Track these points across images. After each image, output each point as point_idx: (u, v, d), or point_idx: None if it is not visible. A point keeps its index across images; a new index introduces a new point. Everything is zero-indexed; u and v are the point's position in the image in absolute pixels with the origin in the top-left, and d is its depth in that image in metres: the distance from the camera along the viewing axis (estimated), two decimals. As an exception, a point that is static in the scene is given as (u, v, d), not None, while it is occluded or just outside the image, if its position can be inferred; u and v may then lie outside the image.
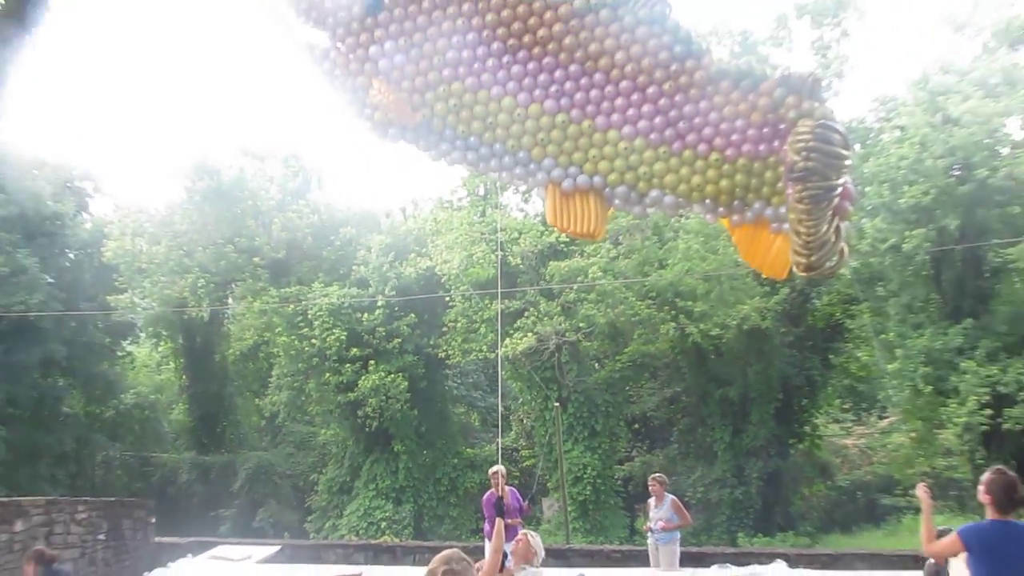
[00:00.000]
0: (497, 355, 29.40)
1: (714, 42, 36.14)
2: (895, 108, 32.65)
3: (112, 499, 16.18)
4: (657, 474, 15.58)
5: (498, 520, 8.93)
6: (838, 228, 4.68)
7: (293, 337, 35.19)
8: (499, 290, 30.41)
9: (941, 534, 7.82)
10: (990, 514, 7.11)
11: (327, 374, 35.01)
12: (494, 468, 13.88)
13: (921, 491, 8.15)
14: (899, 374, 29.38)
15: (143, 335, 43.12)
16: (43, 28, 17.44)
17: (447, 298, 34.08)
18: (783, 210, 4.81)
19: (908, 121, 30.03)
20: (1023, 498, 7.16)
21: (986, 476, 7.27)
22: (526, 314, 32.26)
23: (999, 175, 27.98)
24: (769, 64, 34.76)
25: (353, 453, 37.16)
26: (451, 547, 8.82)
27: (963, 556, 7.22)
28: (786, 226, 4.79)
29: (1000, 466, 7.62)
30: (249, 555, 14.88)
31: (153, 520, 16.22)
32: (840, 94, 36.52)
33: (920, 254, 28.62)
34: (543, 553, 10.05)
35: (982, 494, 7.20)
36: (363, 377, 34.22)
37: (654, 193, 5.04)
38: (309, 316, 35.04)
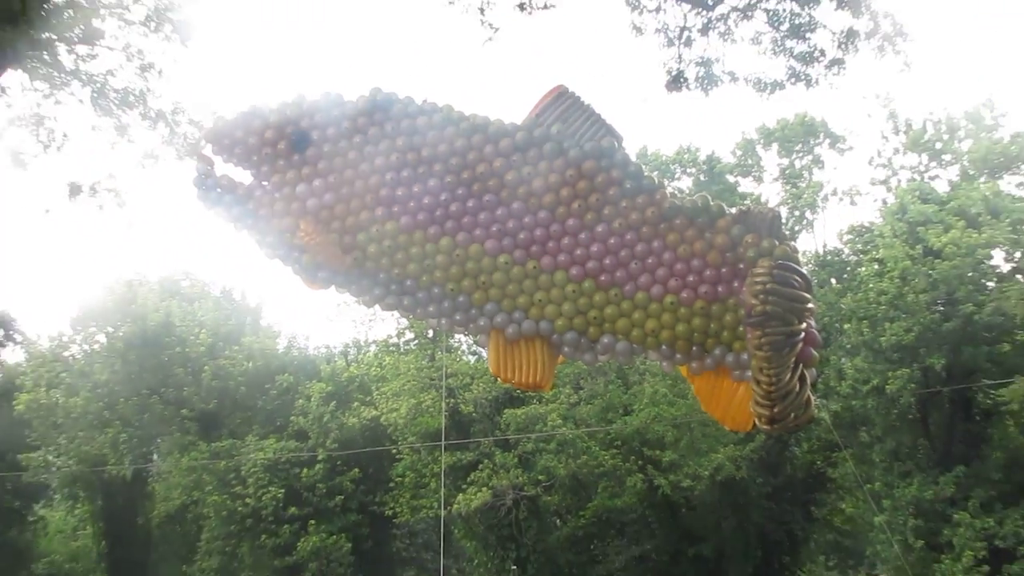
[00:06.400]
0: (440, 513, 29.23)
1: (679, 170, 36.78)
2: (872, 240, 33.11)
3: None
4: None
5: None
6: (803, 377, 4.66)
7: (225, 496, 34.74)
8: (443, 442, 30.41)
9: None
10: None
11: (263, 536, 34.48)
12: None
13: None
14: (888, 527, 29.26)
15: (57, 497, 42.38)
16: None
17: (394, 450, 33.86)
18: (745, 357, 4.81)
19: (887, 253, 30.47)
20: None
21: None
22: (480, 467, 32.05)
23: (986, 311, 28.41)
24: (738, 194, 35.42)
25: (293, 625, 36.40)
26: None
27: None
28: (748, 374, 4.79)
29: None
30: None
31: None
32: (814, 225, 37.07)
33: (905, 396, 28.75)
34: None
35: None
36: (302, 539, 33.76)
37: (606, 339, 5.02)
38: (243, 473, 34.64)
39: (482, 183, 5.11)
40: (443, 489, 30.02)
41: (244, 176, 5.43)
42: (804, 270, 4.74)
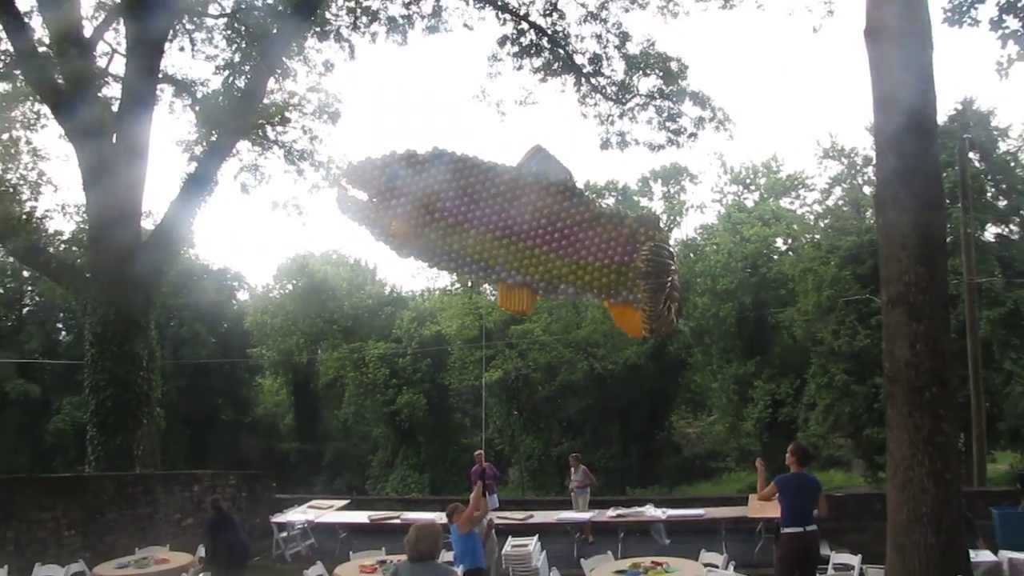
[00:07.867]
0: (482, 383, 29.29)
1: (607, 193, 36.46)
2: (712, 232, 33.18)
3: (251, 472, 15.81)
4: (574, 454, 15.19)
5: (478, 483, 8.81)
6: (669, 307, 4.64)
7: (357, 373, 34.87)
8: (483, 344, 30.39)
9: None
10: (793, 469, 7.19)
11: (377, 395, 34.62)
12: (477, 451, 13.77)
13: (759, 463, 8.02)
14: (719, 390, 29.52)
15: (267, 372, 42.44)
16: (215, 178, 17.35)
17: (449, 349, 33.82)
18: (639, 296, 4.77)
19: (720, 240, 30.67)
20: (813, 456, 7.28)
21: (790, 447, 7.36)
22: (497, 358, 32.03)
23: (773, 272, 28.91)
24: (639, 207, 35.20)
25: (393, 443, 36.57)
26: (454, 501, 8.57)
27: (777, 496, 7.17)
28: (640, 306, 4.75)
29: (797, 440, 7.63)
30: (332, 504, 14.64)
31: (274, 484, 15.74)
32: (681, 224, 36.79)
33: (729, 318, 28.95)
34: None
35: (788, 458, 7.25)
36: (399, 397, 33.90)
37: (562, 286, 4.99)
38: (366, 359, 34.71)
39: (493, 199, 5.08)
40: (484, 369, 30.07)
41: (363, 196, 5.38)
42: (672, 248, 4.72)
